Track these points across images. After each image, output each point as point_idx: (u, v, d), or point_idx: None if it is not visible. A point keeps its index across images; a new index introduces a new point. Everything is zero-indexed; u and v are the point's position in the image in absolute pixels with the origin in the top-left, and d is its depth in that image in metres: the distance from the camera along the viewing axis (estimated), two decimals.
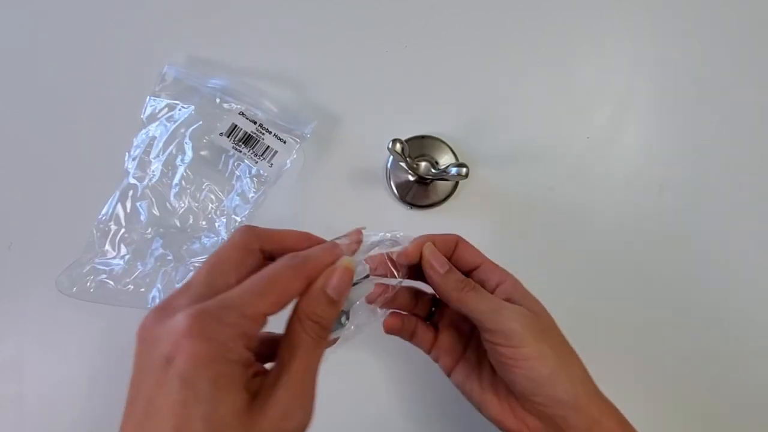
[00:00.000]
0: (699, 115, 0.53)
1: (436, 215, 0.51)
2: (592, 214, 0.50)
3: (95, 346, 0.48)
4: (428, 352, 0.39)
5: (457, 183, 0.51)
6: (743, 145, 0.53)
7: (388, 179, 0.50)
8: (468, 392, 0.37)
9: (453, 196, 0.51)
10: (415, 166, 0.46)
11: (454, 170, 0.43)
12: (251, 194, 0.48)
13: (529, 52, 0.53)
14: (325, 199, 0.50)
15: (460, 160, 0.51)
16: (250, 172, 0.48)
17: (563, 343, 0.35)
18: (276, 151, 0.48)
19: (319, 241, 0.33)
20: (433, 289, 0.36)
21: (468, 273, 0.37)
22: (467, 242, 0.37)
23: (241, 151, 0.48)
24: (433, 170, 0.46)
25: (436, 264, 0.35)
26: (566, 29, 0.54)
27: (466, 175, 0.43)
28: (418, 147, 0.50)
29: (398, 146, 0.42)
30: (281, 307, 0.28)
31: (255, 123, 0.48)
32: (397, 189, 0.50)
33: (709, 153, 0.53)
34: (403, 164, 0.45)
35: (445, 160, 0.50)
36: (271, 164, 0.48)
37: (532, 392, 0.33)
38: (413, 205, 0.50)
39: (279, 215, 0.50)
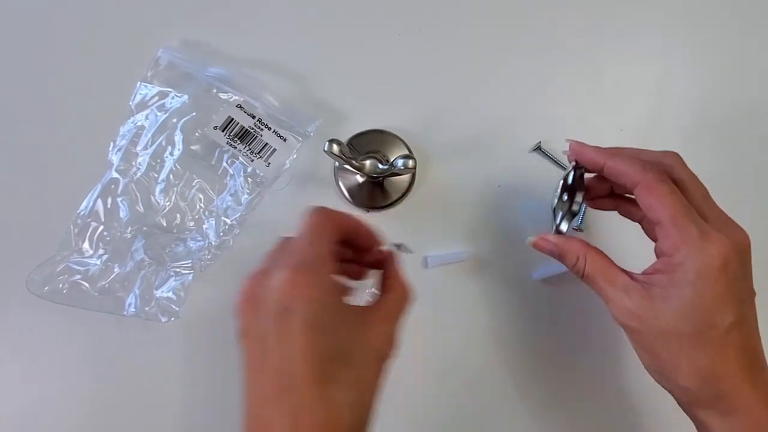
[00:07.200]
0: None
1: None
2: None
3: (75, 356, 0.44)
4: (639, 221, 0.41)
5: (413, 180, 0.46)
6: None
7: (337, 182, 0.46)
8: None
9: (410, 193, 0.46)
10: (359, 165, 0.42)
11: (400, 162, 0.40)
12: (245, 196, 0.44)
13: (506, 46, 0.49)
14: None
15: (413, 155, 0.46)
16: (244, 171, 0.44)
17: None
18: (274, 149, 0.44)
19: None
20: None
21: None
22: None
23: (236, 148, 0.44)
24: (380, 167, 0.42)
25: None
26: (554, 20, 0.50)
27: (414, 167, 0.40)
28: (374, 143, 0.46)
29: (335, 147, 0.38)
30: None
31: (253, 117, 0.44)
32: (348, 192, 0.46)
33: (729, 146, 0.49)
34: (347, 166, 0.41)
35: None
36: (269, 163, 0.44)
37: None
38: (370, 207, 0.46)
39: (274, 220, 0.45)
